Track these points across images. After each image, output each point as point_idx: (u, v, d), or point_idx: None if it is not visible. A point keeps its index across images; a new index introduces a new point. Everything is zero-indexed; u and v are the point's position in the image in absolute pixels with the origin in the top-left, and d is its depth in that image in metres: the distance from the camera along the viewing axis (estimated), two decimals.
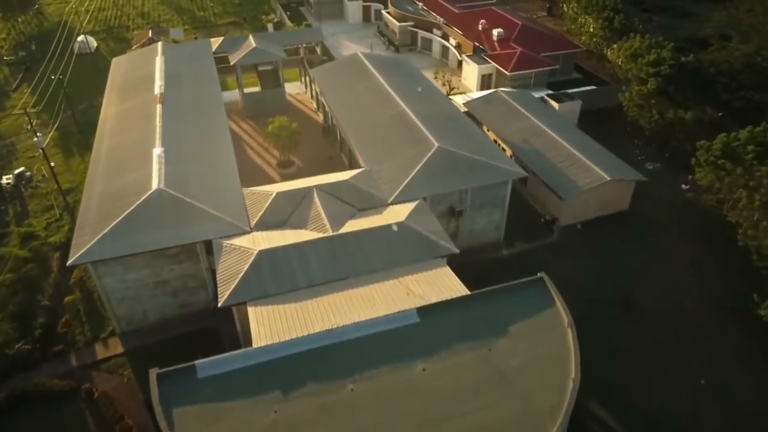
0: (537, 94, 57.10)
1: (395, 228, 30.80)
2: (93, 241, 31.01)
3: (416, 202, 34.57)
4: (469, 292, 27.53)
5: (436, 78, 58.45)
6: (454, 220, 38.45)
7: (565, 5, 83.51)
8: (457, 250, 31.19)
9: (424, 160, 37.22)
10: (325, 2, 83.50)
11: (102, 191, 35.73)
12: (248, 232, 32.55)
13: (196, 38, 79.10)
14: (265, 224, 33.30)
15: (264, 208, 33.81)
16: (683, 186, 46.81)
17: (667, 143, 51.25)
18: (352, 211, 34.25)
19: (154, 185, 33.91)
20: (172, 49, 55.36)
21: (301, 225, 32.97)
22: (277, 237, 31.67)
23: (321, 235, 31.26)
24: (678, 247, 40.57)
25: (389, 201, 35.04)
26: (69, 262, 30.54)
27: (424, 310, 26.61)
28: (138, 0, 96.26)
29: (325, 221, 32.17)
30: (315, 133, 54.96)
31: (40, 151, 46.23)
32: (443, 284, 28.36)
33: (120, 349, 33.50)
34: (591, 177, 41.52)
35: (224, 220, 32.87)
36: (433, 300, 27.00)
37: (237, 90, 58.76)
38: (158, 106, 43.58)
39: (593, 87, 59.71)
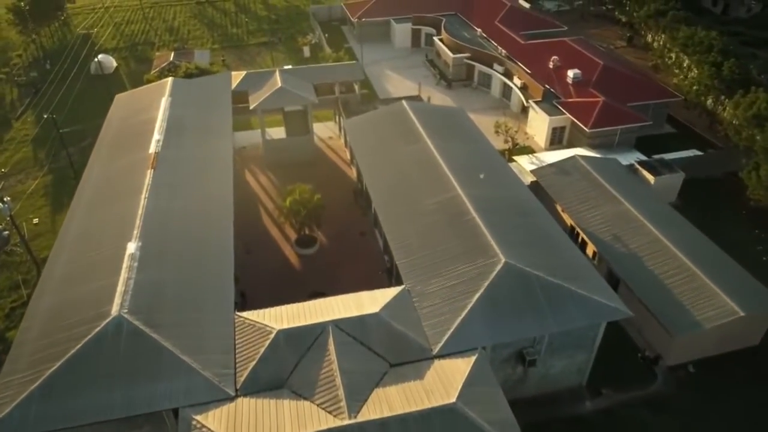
0: (624, 158, 45.60)
1: None
2: (13, 405, 22.01)
3: (474, 358, 24.14)
4: None
5: (497, 132, 47.61)
6: (523, 368, 27.80)
7: (650, 35, 71.08)
8: None
9: (486, 283, 26.71)
10: (368, 24, 73.61)
11: (51, 306, 26.80)
12: (231, 399, 22.86)
13: (223, 60, 70.90)
14: (257, 382, 23.52)
15: (259, 356, 24.07)
16: None
17: None
18: (380, 368, 24.08)
19: (115, 309, 24.71)
20: (183, 88, 46.49)
21: (306, 390, 23.00)
22: (267, 415, 21.82)
23: (331, 423, 21.20)
24: None
25: (435, 351, 24.74)
26: None
27: None
28: (169, 13, 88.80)
29: (341, 393, 22.12)
30: (345, 193, 45.22)
31: (9, 219, 37.98)
32: None
33: None
34: (715, 307, 29.97)
35: (201, 375, 23.27)
36: None
37: (259, 129, 49.57)
38: (149, 173, 34.63)
39: (697, 152, 47.45)
